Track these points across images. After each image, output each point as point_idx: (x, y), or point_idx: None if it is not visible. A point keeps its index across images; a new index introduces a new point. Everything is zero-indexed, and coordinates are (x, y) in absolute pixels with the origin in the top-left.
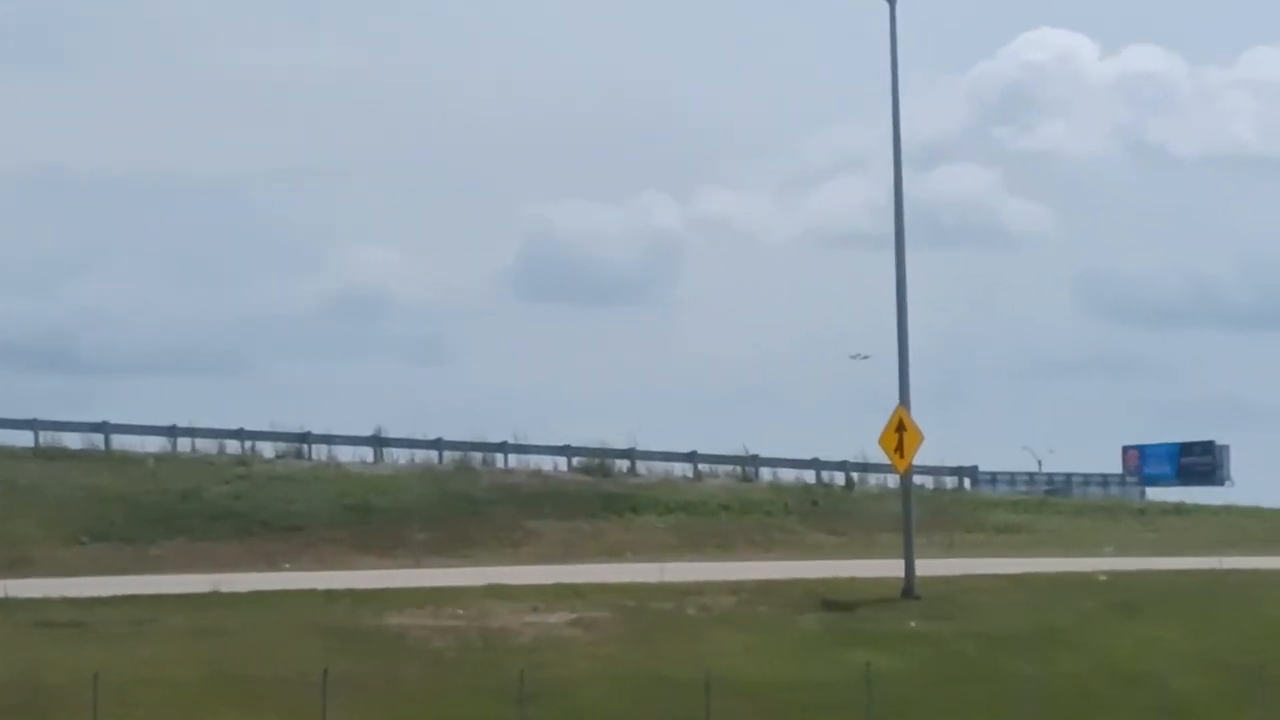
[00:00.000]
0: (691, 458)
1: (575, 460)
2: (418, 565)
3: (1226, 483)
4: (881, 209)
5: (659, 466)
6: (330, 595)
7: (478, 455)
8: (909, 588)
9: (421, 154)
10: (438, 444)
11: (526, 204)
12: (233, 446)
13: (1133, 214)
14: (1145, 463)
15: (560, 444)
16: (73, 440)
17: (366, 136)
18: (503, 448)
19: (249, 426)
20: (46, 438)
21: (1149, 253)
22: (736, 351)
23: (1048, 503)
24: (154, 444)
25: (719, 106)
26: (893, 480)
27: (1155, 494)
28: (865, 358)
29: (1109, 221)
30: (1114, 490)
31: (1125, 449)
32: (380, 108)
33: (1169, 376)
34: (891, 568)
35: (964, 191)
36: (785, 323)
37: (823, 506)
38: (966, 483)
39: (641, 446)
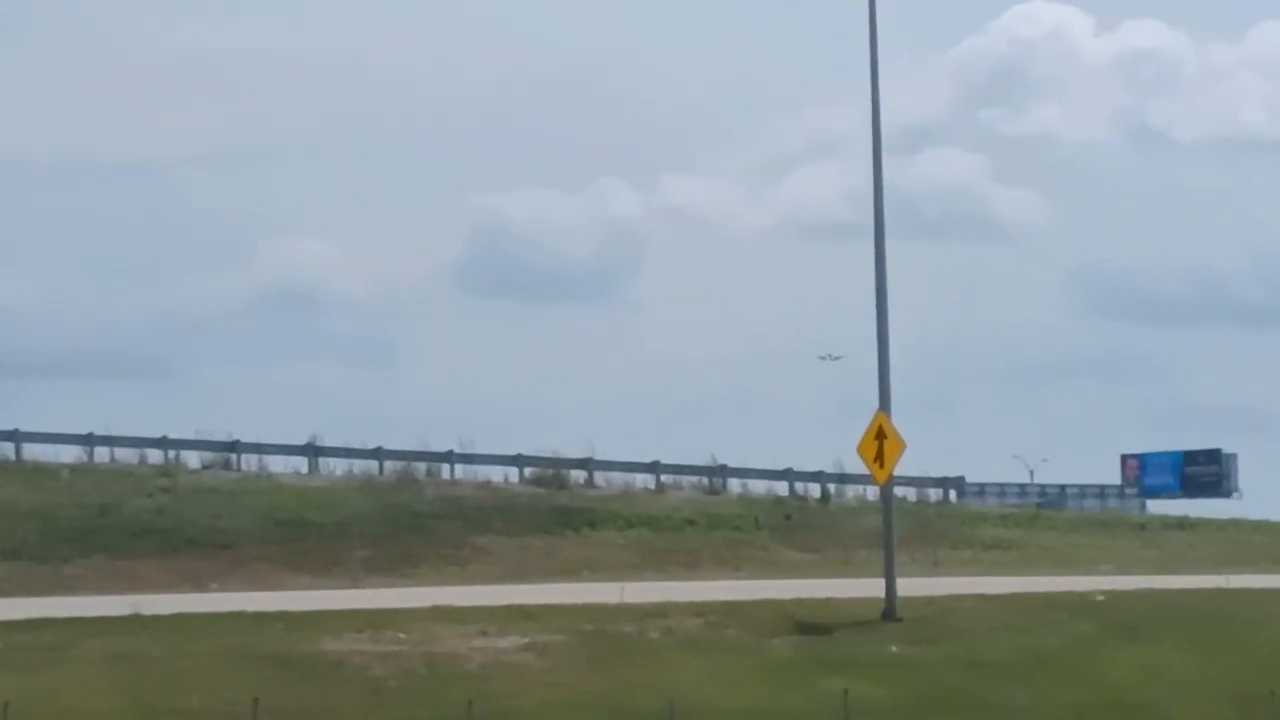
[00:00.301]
0: (654, 468)
1: (528, 471)
2: (356, 585)
3: (1234, 494)
4: (860, 197)
5: (619, 478)
6: (261, 618)
7: (422, 465)
8: (890, 609)
9: (362, 137)
10: (378, 453)
11: (475, 192)
12: (155, 456)
13: (1132, 203)
14: (1146, 473)
15: (511, 453)
16: None
17: (302, 119)
18: (449, 457)
19: (173, 434)
20: None
21: (1150, 245)
22: (703, 353)
23: (1040, 516)
24: (69, 454)
25: (683, 87)
26: (872, 492)
27: (1157, 507)
28: (836, 359)
29: (1106, 211)
30: (1112, 503)
31: (1124, 458)
32: (317, 88)
33: (1171, 379)
34: (871, 587)
35: (949, 179)
36: (756, 321)
37: (797, 521)
38: (952, 495)
39: (600, 456)
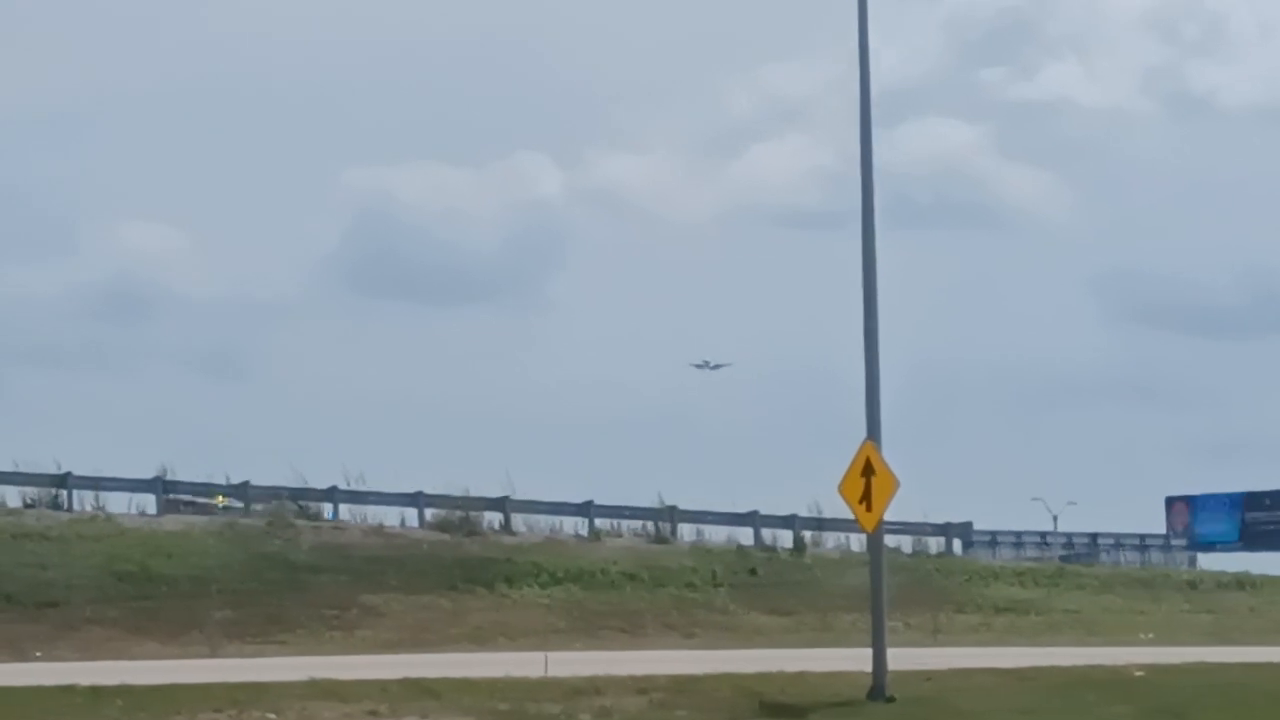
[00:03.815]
0: (586, 510)
1: (429, 513)
2: (215, 654)
3: None
4: (832, 177)
5: (542, 521)
6: (97, 693)
7: (295, 505)
8: (879, 686)
9: (214, 99)
10: (243, 490)
11: (354, 167)
12: None
13: (1169, 186)
14: (1197, 519)
15: (409, 491)
16: None
17: (137, 74)
18: (331, 495)
19: None
20: None
21: (1193, 237)
22: (642, 368)
23: (1066, 572)
24: None
25: (614, 43)
26: (858, 541)
27: (1211, 561)
28: (715, 367)
29: (1138, 196)
30: (1155, 556)
31: (1170, 501)
32: (158, 36)
33: (1227, 403)
34: (856, 659)
35: (942, 154)
36: (706, 329)
37: (764, 576)
38: (957, 545)
39: (519, 495)
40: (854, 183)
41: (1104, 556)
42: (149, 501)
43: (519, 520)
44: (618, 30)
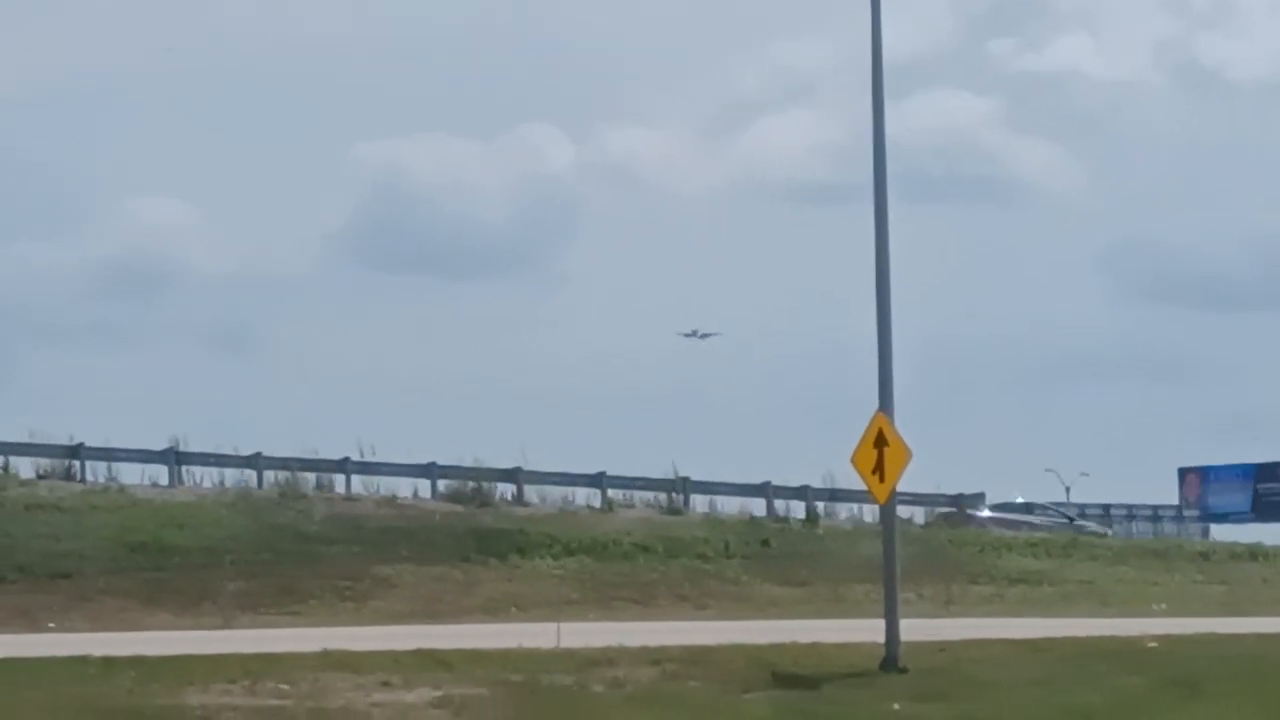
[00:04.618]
0: (598, 481)
1: (442, 484)
2: (228, 625)
3: None
4: (840, 151)
5: (554, 493)
6: (110, 664)
7: (310, 477)
8: (892, 657)
9: (224, 74)
10: (255, 461)
11: (365, 141)
12: None
13: (1180, 160)
14: (1209, 490)
15: (422, 462)
16: None
17: (148, 49)
18: (344, 466)
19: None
20: None
21: (1204, 210)
22: (653, 340)
23: (1079, 543)
24: None
25: (624, 16)
26: (871, 512)
27: (1223, 533)
28: (704, 336)
29: (1148, 169)
30: (1168, 527)
31: (1183, 472)
32: (168, 13)
33: (1240, 376)
34: (868, 630)
35: (951, 127)
36: (717, 302)
37: (776, 547)
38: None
39: (531, 466)
40: (863, 157)
41: (1117, 528)
42: (161, 473)
43: (531, 491)
44: (628, 3)
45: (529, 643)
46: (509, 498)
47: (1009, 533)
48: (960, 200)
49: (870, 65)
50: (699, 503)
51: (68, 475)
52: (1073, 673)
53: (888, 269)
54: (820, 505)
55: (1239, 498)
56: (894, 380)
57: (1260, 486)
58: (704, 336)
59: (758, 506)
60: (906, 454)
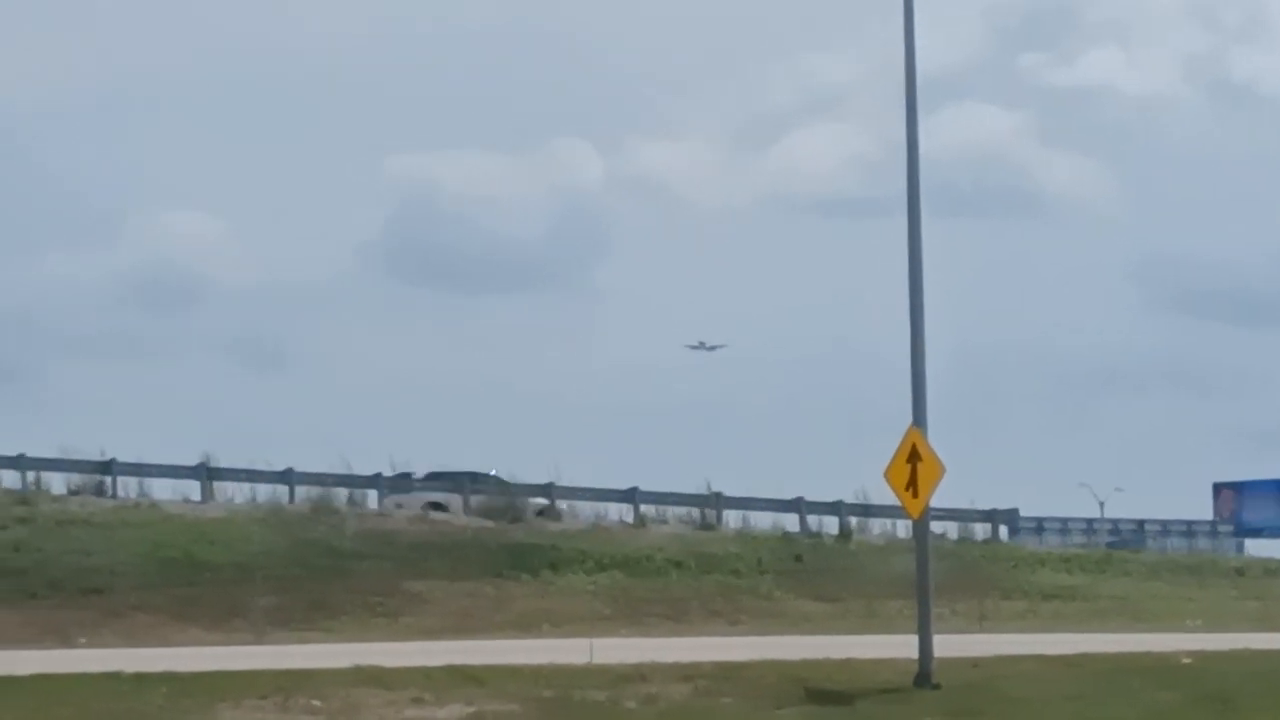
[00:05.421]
0: (631, 496)
1: (473, 500)
2: (260, 640)
3: None
4: (871, 164)
5: (587, 508)
6: (141, 680)
7: (341, 492)
8: (925, 673)
9: (255, 86)
10: (287, 476)
11: (397, 154)
12: (9, 479)
13: (1211, 173)
14: (1244, 506)
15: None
16: None
17: (179, 62)
18: (375, 482)
19: (31, 452)
20: None
21: (1235, 224)
22: (686, 354)
23: (1113, 559)
24: None
25: (653, 29)
26: (904, 528)
27: (1257, 548)
28: (711, 348)
29: (1180, 183)
30: (1202, 543)
31: (1217, 487)
32: (200, 24)
33: (1270, 390)
34: (902, 646)
35: (983, 141)
36: (748, 315)
37: (809, 563)
38: (1003, 532)
39: (564, 481)
40: (893, 170)
41: (1151, 543)
42: (192, 488)
43: (564, 506)
44: (657, 17)
45: (561, 659)
46: (541, 513)
47: (1041, 547)
48: (991, 214)
49: (904, 80)
50: (732, 518)
51: (99, 491)
52: (1106, 688)
53: (921, 284)
54: (853, 521)
55: (1273, 513)
56: (927, 394)
57: None
58: (711, 348)
59: (791, 522)
60: (940, 469)
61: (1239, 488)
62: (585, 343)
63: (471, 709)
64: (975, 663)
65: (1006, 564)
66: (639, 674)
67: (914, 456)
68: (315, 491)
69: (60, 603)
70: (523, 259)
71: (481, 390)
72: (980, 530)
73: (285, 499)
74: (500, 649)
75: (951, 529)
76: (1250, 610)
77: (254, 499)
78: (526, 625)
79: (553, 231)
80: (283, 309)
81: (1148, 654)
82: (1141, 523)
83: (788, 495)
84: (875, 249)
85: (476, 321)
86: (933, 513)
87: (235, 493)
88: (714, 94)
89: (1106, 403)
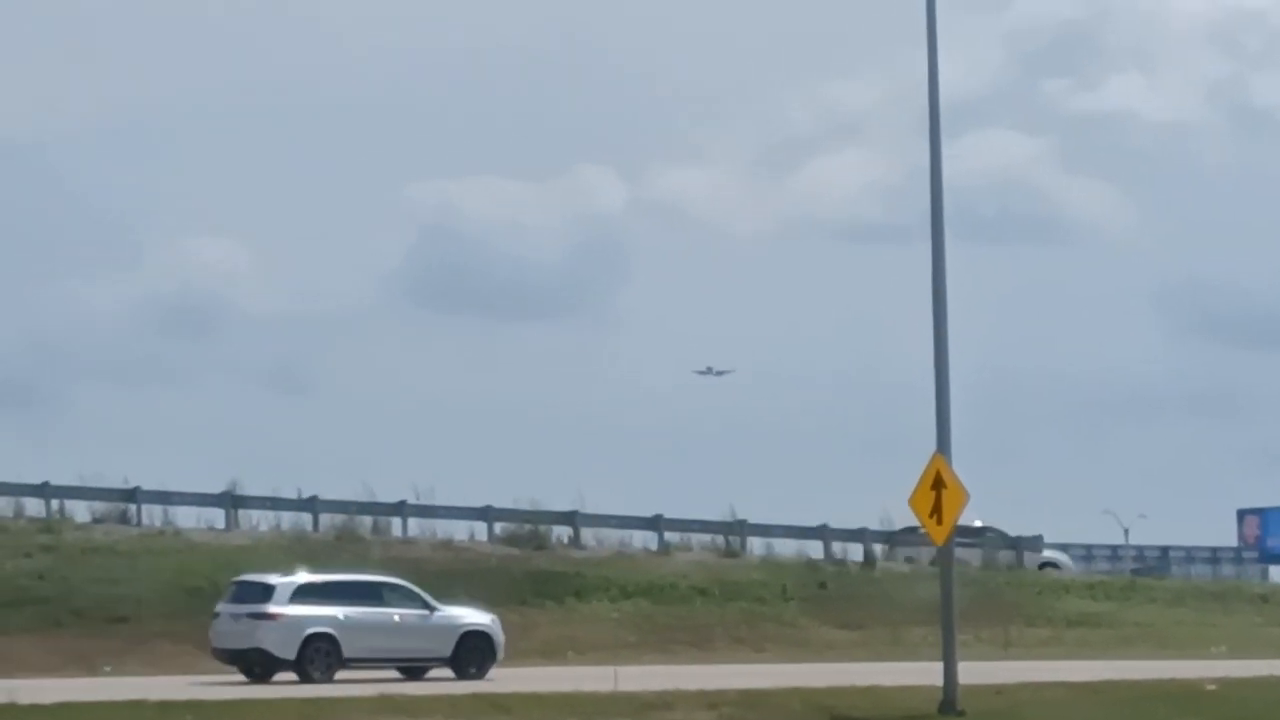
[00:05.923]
0: (655, 524)
1: (499, 527)
2: None
3: None
4: (893, 190)
5: (611, 535)
6: (166, 709)
7: (367, 520)
8: (950, 700)
9: (278, 113)
10: (312, 504)
11: (420, 181)
12: (34, 507)
13: (1233, 199)
14: (1268, 532)
15: (478, 505)
16: None
17: (201, 87)
18: (400, 509)
19: (55, 480)
20: None
21: (1258, 249)
22: (709, 381)
23: (1137, 586)
24: None
25: (675, 56)
26: (928, 555)
27: None
28: (719, 374)
29: (1203, 209)
30: (1227, 569)
31: (1242, 514)
32: (225, 52)
33: None
34: (926, 673)
35: (1005, 167)
36: (771, 341)
37: (833, 590)
38: (1027, 559)
39: (588, 509)
40: (915, 196)
41: (1175, 570)
42: (217, 516)
43: (588, 534)
44: (679, 44)
45: (586, 686)
46: (565, 540)
47: (1066, 574)
48: (1013, 240)
49: (926, 106)
50: (756, 545)
51: (123, 519)
52: (1131, 715)
53: (945, 310)
54: (877, 548)
55: None
56: (951, 420)
57: None
58: (719, 374)
59: (815, 549)
60: (964, 496)
61: (1263, 514)
62: (608, 368)
63: None
64: (999, 689)
65: (1031, 590)
66: (664, 701)
67: (938, 483)
68: (340, 519)
69: (85, 631)
70: (546, 285)
71: (504, 417)
72: (1005, 557)
73: (309, 527)
74: (525, 676)
75: (976, 556)
76: (1275, 637)
77: (278, 527)
78: (551, 652)
79: (575, 257)
80: (306, 335)
81: (1172, 681)
82: (1166, 549)
83: (812, 522)
84: (897, 274)
85: (499, 348)
86: (957, 539)
87: (260, 520)
88: (736, 120)
89: (1130, 429)
